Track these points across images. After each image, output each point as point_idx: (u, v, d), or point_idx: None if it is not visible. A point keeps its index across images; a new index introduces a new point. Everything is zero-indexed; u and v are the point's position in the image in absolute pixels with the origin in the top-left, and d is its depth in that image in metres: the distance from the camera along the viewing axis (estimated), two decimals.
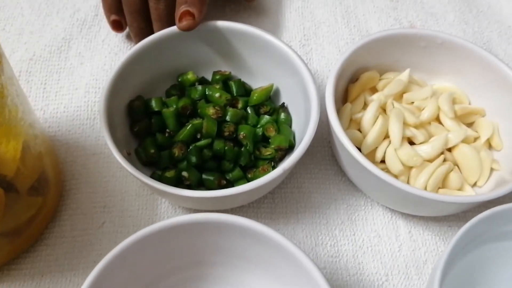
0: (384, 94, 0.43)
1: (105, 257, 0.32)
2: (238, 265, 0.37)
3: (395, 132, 0.41)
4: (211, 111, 0.42)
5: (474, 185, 0.42)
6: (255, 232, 0.34)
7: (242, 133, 0.41)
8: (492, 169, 0.42)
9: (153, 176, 0.41)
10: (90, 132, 0.45)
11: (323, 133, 0.43)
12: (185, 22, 0.41)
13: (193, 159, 0.40)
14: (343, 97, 0.45)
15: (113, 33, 0.51)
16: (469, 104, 0.45)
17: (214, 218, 0.34)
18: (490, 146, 0.44)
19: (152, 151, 0.41)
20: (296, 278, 0.34)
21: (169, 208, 0.42)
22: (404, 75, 0.45)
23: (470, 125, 0.45)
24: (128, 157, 0.41)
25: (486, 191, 0.41)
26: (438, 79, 0.46)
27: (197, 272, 0.37)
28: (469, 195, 0.40)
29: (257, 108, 0.44)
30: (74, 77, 0.48)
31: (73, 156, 0.44)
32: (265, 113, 0.44)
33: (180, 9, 0.41)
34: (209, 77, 0.46)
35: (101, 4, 0.52)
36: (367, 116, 0.42)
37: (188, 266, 0.36)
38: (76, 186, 0.43)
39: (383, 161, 0.42)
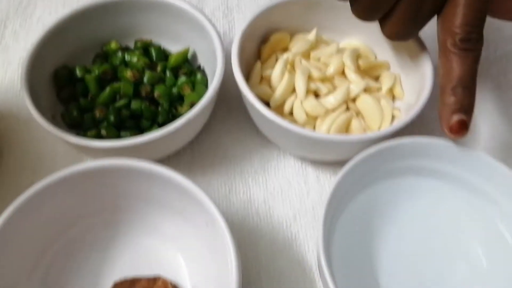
0: (292, 53, 0.46)
1: (14, 202, 0.35)
2: (148, 209, 0.39)
3: (300, 86, 0.44)
4: (128, 74, 0.45)
5: None
6: (162, 176, 0.37)
7: (157, 92, 0.44)
8: (394, 117, 0.45)
9: None
10: (23, 102, 0.47)
11: (239, 92, 0.46)
12: (458, 135, 0.36)
13: (112, 118, 0.43)
14: (257, 58, 0.48)
15: (47, 11, 0.54)
16: (376, 59, 0.48)
17: (120, 164, 0.37)
18: (394, 97, 0.47)
19: (75, 114, 0.44)
20: (201, 220, 0.37)
21: None
22: (311, 35, 0.48)
23: (376, 78, 0.48)
24: (52, 120, 0.44)
25: None
26: (347, 38, 0.49)
27: (108, 217, 0.39)
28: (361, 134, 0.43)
29: (175, 71, 0.47)
30: (9, 53, 0.51)
31: (6, 123, 0.47)
32: (183, 75, 0.47)
33: (453, 117, 0.36)
34: (132, 45, 0.49)
35: None
36: (275, 73, 0.45)
37: (100, 211, 0.39)
38: (8, 149, 0.46)
39: (292, 114, 0.45)
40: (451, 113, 0.36)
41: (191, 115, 0.40)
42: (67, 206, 0.38)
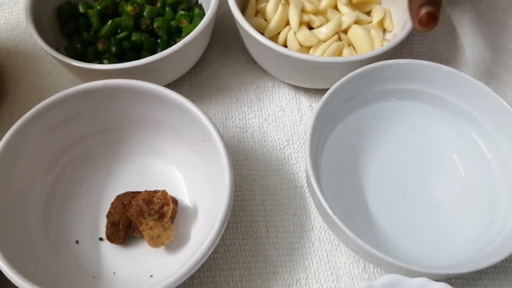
0: None
1: (21, 118, 0.37)
2: (150, 129, 0.42)
3: (293, 17, 0.46)
4: (129, 8, 0.47)
5: None
6: (161, 95, 0.39)
7: (156, 24, 0.46)
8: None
9: None
10: (29, 39, 0.51)
11: (235, 28, 0.48)
12: (427, 28, 0.38)
13: (113, 49, 0.46)
14: None
15: None
16: None
17: (122, 83, 0.39)
18: (384, 30, 0.49)
19: (79, 46, 0.46)
20: (198, 137, 0.39)
21: None
22: None
23: (368, 13, 0.49)
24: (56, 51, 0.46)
25: None
26: None
27: (113, 136, 0.42)
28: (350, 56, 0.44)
29: (174, 7, 0.49)
30: None
31: (13, 59, 0.49)
32: (182, 11, 0.48)
33: (422, 11, 0.38)
34: None
35: None
36: (269, 5, 0.47)
37: (104, 130, 0.42)
38: (15, 83, 0.48)
39: (286, 46, 0.47)
40: (418, 7, 0.38)
41: (187, 39, 0.42)
42: (75, 122, 0.40)
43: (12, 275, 0.32)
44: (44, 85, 0.48)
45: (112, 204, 0.40)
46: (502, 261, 0.39)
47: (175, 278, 0.32)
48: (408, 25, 0.43)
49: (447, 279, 0.38)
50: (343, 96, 0.41)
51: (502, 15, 0.52)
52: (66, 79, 0.48)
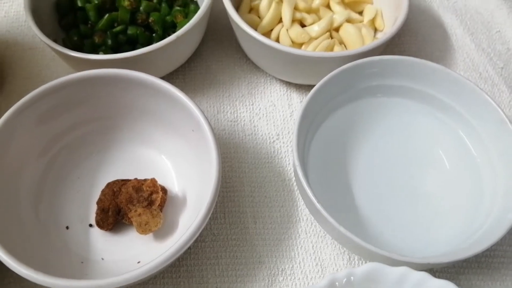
0: None
1: (15, 105, 0.38)
2: (141, 119, 0.42)
3: (286, 14, 0.47)
4: (126, 2, 0.48)
5: None
6: (154, 86, 0.40)
7: (151, 19, 0.47)
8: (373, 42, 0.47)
9: None
10: (28, 31, 0.52)
11: (230, 24, 0.49)
12: None
13: (109, 42, 0.47)
14: None
15: None
16: None
17: (116, 73, 0.40)
18: (376, 30, 0.49)
19: (76, 38, 0.47)
20: (189, 126, 0.40)
21: None
22: None
23: (360, 13, 0.50)
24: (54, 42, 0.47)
25: None
26: None
27: (105, 124, 0.43)
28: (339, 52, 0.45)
29: (170, 3, 0.50)
30: None
31: (11, 51, 0.50)
32: (178, 7, 0.50)
33: None
34: None
35: None
36: (263, 3, 0.48)
37: (97, 118, 0.42)
38: (12, 74, 0.49)
39: (278, 42, 0.47)
40: None
41: (180, 32, 0.43)
42: (68, 110, 0.41)
43: (5, 258, 0.33)
44: (42, 76, 0.49)
45: (103, 191, 0.40)
46: (485, 256, 0.40)
47: (160, 261, 0.33)
48: (399, 21, 0.44)
49: (429, 270, 0.38)
50: (331, 90, 0.42)
51: (491, 18, 0.53)
52: (63, 71, 0.49)
